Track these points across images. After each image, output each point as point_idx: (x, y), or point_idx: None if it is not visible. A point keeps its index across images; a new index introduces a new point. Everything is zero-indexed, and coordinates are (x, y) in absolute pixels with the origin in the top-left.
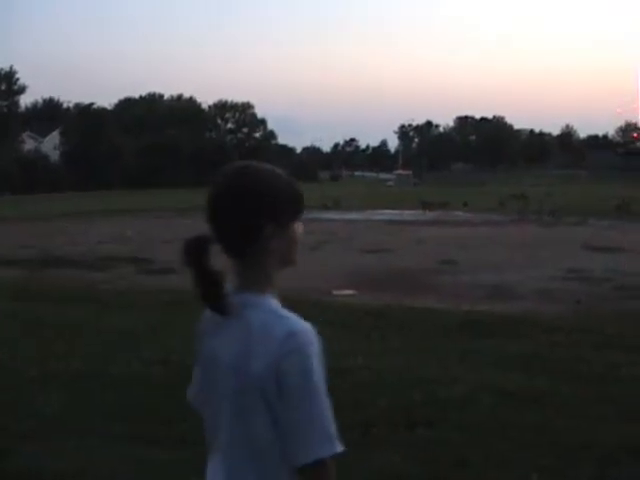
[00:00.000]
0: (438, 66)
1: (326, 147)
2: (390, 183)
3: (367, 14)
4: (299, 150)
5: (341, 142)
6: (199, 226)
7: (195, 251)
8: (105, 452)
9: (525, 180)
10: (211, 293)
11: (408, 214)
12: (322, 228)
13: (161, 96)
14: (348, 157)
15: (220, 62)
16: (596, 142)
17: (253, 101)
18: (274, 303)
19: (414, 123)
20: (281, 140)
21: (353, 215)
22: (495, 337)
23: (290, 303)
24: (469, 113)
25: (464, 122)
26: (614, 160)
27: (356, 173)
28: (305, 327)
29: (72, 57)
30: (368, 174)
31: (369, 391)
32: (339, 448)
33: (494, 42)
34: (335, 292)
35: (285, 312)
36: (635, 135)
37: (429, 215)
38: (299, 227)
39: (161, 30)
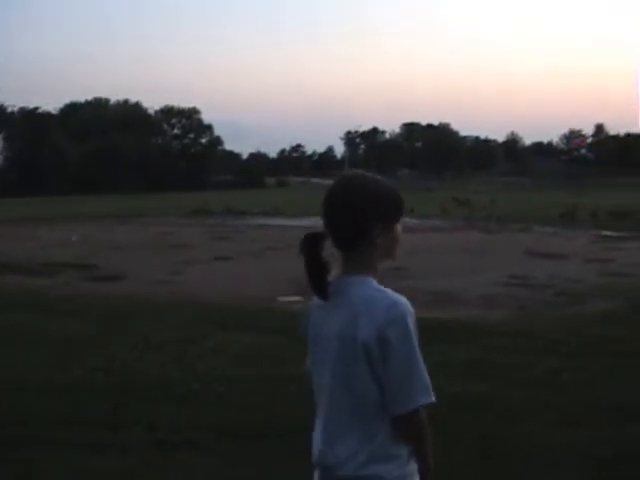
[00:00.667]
0: (384, 72)
1: (272, 153)
2: None
3: (313, 19)
4: (245, 156)
5: (287, 148)
6: (145, 231)
7: (312, 243)
8: (48, 460)
9: (471, 187)
10: (318, 278)
11: None
12: (268, 234)
13: (107, 101)
14: (294, 163)
15: (167, 67)
16: (541, 149)
17: (199, 107)
18: (375, 282)
19: (360, 129)
20: (227, 146)
21: (299, 221)
22: (440, 343)
23: (235, 309)
24: (415, 119)
25: (410, 128)
26: (559, 167)
27: (303, 179)
28: (403, 299)
29: (15, 60)
30: (315, 180)
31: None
32: (434, 398)
33: (440, 49)
34: (281, 299)
35: (384, 288)
36: (579, 142)
37: None
38: (399, 227)
39: (107, 34)
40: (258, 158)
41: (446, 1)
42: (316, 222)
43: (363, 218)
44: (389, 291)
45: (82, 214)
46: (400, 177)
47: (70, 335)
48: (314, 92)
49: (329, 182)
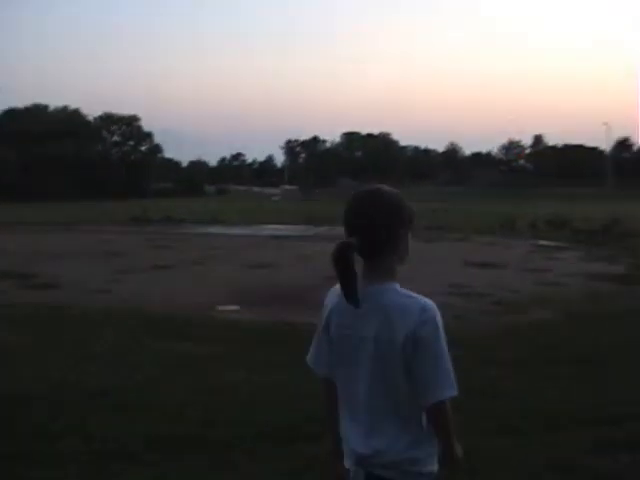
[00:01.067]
0: (325, 81)
1: (212, 161)
2: (276, 198)
3: (252, 27)
4: (185, 164)
5: (228, 156)
6: (83, 239)
7: (345, 252)
8: None
9: (411, 196)
10: (351, 286)
11: (294, 229)
12: (206, 243)
13: (46, 107)
14: (235, 171)
15: (107, 74)
16: (480, 159)
17: (139, 114)
18: (400, 288)
19: (300, 138)
20: (167, 154)
21: (238, 230)
22: None
23: (173, 319)
24: (356, 129)
25: (350, 138)
26: (498, 177)
27: (243, 187)
28: (431, 303)
29: None
30: (255, 188)
31: (253, 407)
32: (457, 391)
33: (380, 59)
34: (219, 308)
35: (412, 293)
36: (517, 152)
37: (313, 230)
38: (410, 235)
39: (48, 41)
40: (198, 166)
41: (385, 12)
42: (256, 231)
43: (387, 227)
44: (418, 296)
45: (19, 222)
46: (340, 186)
47: (4, 344)
48: (255, 101)
49: (271, 191)
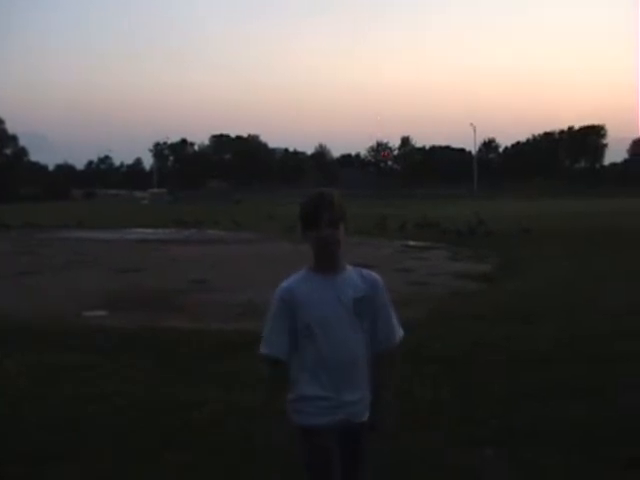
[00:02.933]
0: (192, 84)
1: (80, 165)
2: (144, 201)
3: (122, 29)
4: (52, 167)
5: (95, 159)
6: None
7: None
8: None
9: (280, 199)
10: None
11: (161, 233)
12: (72, 247)
13: None
14: (103, 175)
15: None
16: (349, 161)
17: (4, 117)
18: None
19: (169, 141)
20: (33, 157)
21: (105, 234)
22: (247, 356)
23: (37, 326)
24: (224, 131)
25: (219, 140)
26: (367, 178)
27: (111, 191)
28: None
29: None
30: (123, 192)
31: (123, 416)
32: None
33: (248, 62)
34: (86, 313)
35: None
36: (385, 153)
37: (182, 234)
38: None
39: None
40: (65, 170)
41: (254, 17)
42: (124, 234)
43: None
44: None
45: None
46: (209, 189)
47: None
48: (121, 103)
49: (139, 194)
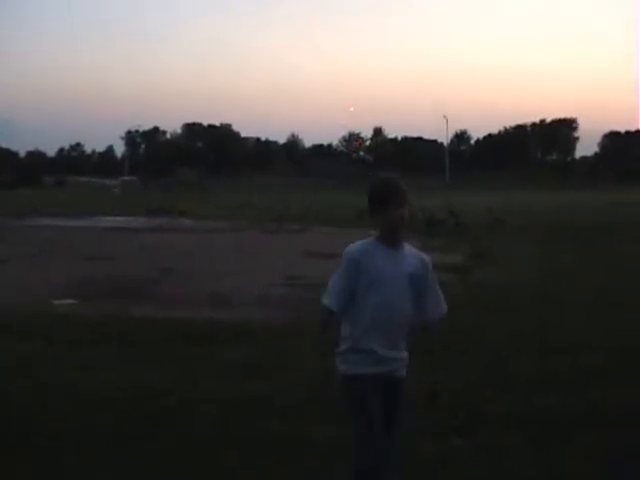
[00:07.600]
0: (165, 71)
1: (51, 152)
2: (115, 190)
3: (99, 17)
4: (22, 154)
5: (66, 147)
6: None
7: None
8: None
9: (251, 188)
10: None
11: (132, 221)
12: (42, 235)
13: None
14: (74, 162)
15: None
16: (321, 151)
17: None
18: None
19: (141, 129)
20: (3, 144)
21: (75, 221)
22: (215, 344)
23: (4, 315)
24: (197, 120)
25: (191, 128)
26: (339, 168)
27: (82, 178)
28: None
29: None
30: (94, 179)
31: (91, 406)
32: None
33: (221, 50)
34: (55, 302)
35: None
36: (358, 143)
37: (152, 222)
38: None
39: None
40: (36, 157)
41: (227, 6)
42: (95, 222)
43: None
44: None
45: None
46: (181, 177)
47: None
48: (93, 89)
49: (111, 182)
